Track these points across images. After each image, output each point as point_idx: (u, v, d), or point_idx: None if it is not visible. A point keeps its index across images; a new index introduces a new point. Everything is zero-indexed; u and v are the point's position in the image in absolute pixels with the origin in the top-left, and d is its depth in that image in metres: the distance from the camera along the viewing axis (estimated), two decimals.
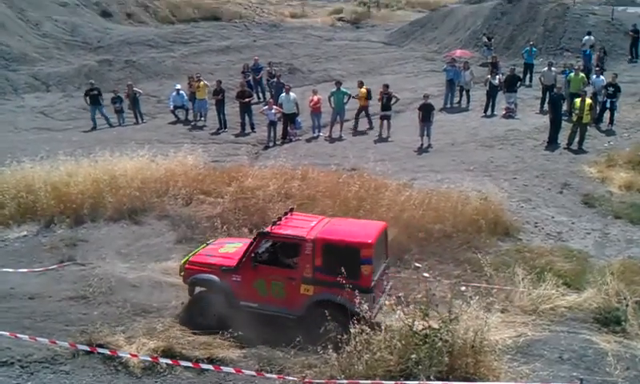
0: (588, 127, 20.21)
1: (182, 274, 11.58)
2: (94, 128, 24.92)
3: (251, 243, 11.13)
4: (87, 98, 25.29)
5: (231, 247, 11.92)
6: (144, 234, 15.19)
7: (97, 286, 12.17)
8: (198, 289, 11.45)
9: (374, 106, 23.24)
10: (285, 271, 10.82)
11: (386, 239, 11.52)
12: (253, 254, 10.99)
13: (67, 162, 16.90)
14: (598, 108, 21.76)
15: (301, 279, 10.58)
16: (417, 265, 10.15)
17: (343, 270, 9.41)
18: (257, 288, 10.90)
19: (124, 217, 15.68)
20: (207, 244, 12.50)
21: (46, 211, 15.63)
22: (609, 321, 11.02)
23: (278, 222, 11.26)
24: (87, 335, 10.20)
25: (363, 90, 22.99)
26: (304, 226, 11.17)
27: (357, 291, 9.36)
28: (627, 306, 11.03)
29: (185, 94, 25.61)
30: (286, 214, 11.80)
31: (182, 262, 11.75)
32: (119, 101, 25.46)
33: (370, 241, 10.40)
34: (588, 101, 19.85)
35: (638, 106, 23.75)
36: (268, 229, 11.16)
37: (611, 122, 21.85)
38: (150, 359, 9.69)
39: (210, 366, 9.64)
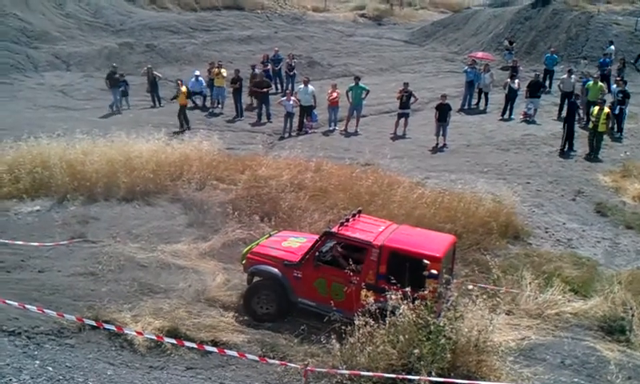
0: (604, 136, 20.08)
1: (243, 262, 11.62)
2: (118, 112, 24.96)
3: (316, 241, 11.05)
4: (108, 81, 25.24)
5: (295, 242, 11.81)
6: (156, 215, 15.28)
7: (106, 263, 12.30)
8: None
9: (393, 103, 23.20)
10: (347, 274, 10.10)
11: (453, 253, 11.33)
12: (317, 253, 10.94)
13: (83, 141, 17.04)
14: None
15: (363, 284, 10.22)
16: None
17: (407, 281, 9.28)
18: (317, 287, 10.83)
19: (137, 197, 15.80)
20: (270, 235, 12.46)
21: (60, 187, 15.74)
22: (613, 330, 10.99)
23: (344, 223, 11.12)
24: (94, 311, 10.27)
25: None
26: (372, 230, 10.99)
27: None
28: (633, 316, 11.00)
29: (203, 81, 25.77)
30: (354, 215, 11.58)
31: (245, 251, 11.80)
32: (124, 84, 25.51)
33: (438, 255, 10.14)
34: (605, 110, 19.68)
35: None
36: (335, 229, 11.03)
37: (620, 129, 21.74)
38: (154, 338, 9.75)
39: (214, 349, 9.68)
